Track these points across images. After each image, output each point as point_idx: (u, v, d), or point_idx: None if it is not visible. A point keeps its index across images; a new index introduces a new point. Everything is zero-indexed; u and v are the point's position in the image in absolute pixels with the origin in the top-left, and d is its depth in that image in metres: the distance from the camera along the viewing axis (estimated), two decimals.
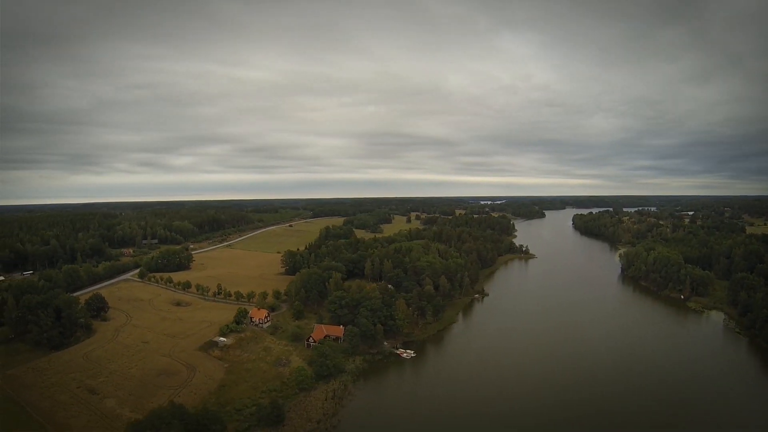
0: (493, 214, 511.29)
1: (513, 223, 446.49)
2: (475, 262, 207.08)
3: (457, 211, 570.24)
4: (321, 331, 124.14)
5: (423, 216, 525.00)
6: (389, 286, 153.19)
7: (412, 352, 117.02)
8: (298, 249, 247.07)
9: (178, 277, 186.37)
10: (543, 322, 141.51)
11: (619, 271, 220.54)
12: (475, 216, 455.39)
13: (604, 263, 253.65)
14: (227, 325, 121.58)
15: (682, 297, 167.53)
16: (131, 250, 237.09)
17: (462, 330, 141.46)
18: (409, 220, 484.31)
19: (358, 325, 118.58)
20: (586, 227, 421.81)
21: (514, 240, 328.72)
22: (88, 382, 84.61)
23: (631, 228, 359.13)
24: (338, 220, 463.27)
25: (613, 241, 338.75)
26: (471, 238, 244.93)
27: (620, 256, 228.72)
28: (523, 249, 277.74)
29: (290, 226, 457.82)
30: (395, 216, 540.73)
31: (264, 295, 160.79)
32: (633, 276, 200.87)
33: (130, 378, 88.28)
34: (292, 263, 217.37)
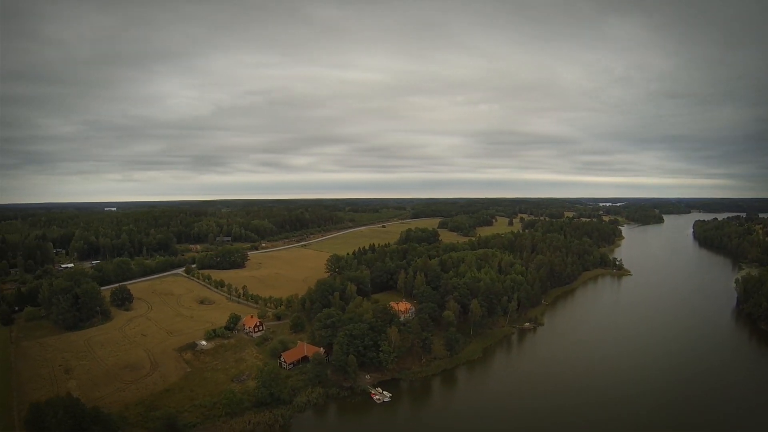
0: (604, 218, 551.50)
1: (621, 230, 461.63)
2: (542, 279, 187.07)
3: (566, 214, 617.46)
4: (301, 350, 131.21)
5: (527, 218, 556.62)
6: (387, 307, 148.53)
7: (389, 394, 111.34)
8: (347, 253, 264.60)
9: (222, 275, 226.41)
10: (594, 376, 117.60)
11: (734, 303, 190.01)
12: (582, 219, 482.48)
13: (716, 289, 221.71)
14: (214, 330, 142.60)
15: None
16: (198, 247, 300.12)
17: (480, 371, 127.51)
18: (511, 223, 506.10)
19: (331, 351, 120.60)
20: (705, 237, 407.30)
21: (616, 250, 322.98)
22: (72, 362, 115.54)
23: (762, 241, 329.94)
24: (435, 221, 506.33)
25: (737, 257, 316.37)
26: (549, 248, 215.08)
27: (737, 281, 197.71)
28: (617, 263, 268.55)
29: (383, 226, 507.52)
30: (499, 217, 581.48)
31: (279, 302, 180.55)
32: (750, 313, 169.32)
33: (103, 365, 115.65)
34: (336, 267, 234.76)
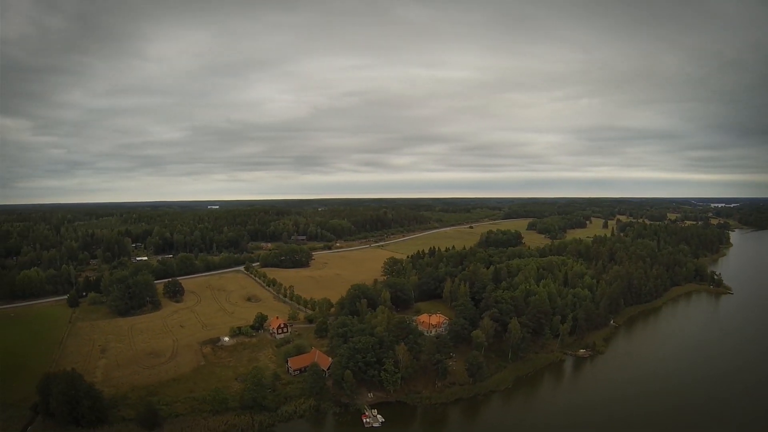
0: (712, 221, 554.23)
1: (729, 236, 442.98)
2: (614, 295, 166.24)
3: (669, 215, 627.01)
4: (311, 357, 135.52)
5: (625, 220, 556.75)
6: (405, 320, 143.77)
7: (381, 418, 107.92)
8: (408, 256, 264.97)
9: (280, 273, 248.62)
10: None
11: None
12: (687, 222, 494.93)
13: None
14: (239, 327, 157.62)
15: None
16: (270, 245, 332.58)
17: (501, 405, 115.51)
18: (605, 225, 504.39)
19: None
20: None
21: (720, 260, 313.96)
22: (110, 344, 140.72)
23: None
24: (525, 222, 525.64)
25: None
26: (630, 257, 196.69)
27: None
28: (715, 278, 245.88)
29: (470, 227, 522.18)
30: (594, 219, 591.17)
31: (315, 304, 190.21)
32: None
33: (132, 350, 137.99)
34: (392, 271, 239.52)
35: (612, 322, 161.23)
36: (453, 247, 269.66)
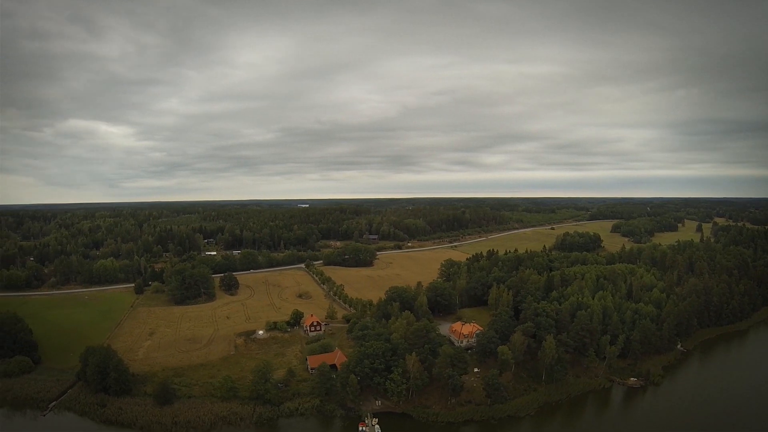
0: None
1: None
2: (684, 314, 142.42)
3: None
4: (331, 357, 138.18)
5: (723, 222, 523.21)
6: (426, 328, 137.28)
7: (379, 429, 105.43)
8: (467, 258, 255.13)
9: (339, 272, 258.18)
10: None
11: None
12: None
13: None
14: (274, 323, 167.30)
15: None
16: (338, 244, 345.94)
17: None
18: (699, 228, 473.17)
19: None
20: None
21: None
22: (160, 329, 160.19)
23: None
24: (609, 224, 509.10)
25: None
26: (714, 269, 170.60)
27: None
28: None
29: (552, 228, 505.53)
30: (688, 221, 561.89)
31: (357, 304, 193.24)
32: None
33: (176, 334, 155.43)
34: (447, 274, 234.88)
35: (679, 346, 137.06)
36: (515, 249, 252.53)
